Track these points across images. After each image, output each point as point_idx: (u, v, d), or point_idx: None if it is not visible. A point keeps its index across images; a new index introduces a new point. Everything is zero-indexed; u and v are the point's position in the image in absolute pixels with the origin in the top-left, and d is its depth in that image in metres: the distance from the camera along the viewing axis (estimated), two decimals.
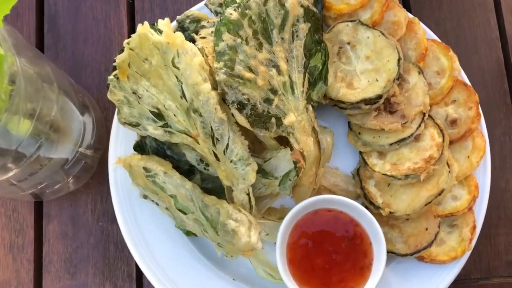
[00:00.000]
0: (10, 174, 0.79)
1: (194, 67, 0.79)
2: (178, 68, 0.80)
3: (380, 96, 0.94)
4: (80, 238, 1.03)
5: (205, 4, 0.99)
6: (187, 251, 0.98)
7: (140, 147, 0.94)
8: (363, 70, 0.97)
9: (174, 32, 0.79)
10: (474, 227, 0.95)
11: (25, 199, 1.01)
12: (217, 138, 0.83)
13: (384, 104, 0.97)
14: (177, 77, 0.81)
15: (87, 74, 1.10)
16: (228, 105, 0.82)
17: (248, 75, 0.82)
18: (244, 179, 0.85)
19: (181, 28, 0.93)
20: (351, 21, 0.98)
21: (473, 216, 0.95)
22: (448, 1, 1.17)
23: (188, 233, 0.98)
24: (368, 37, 0.97)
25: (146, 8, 1.13)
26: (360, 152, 0.99)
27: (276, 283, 0.96)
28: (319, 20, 0.95)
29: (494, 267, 1.04)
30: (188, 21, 0.94)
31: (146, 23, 0.80)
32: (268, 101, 0.85)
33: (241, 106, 0.82)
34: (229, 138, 0.83)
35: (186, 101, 0.82)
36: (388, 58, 0.95)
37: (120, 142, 0.99)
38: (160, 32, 0.79)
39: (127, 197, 0.97)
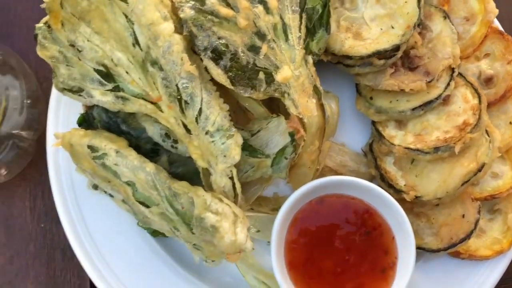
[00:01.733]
0: None
1: (149, 0, 0.57)
2: (126, 2, 0.57)
3: (397, 47, 0.74)
4: (15, 245, 0.82)
5: None
6: (154, 257, 0.77)
7: (87, 122, 0.72)
8: (373, 17, 0.77)
9: None
10: None
11: None
12: (186, 101, 0.61)
13: (402, 58, 0.77)
14: (126, 16, 0.59)
15: (21, 35, 0.88)
16: (199, 54, 0.60)
17: (225, 11, 0.60)
18: (225, 156, 0.63)
19: None
20: None
21: None
22: None
23: (155, 233, 0.76)
24: None
25: None
26: (373, 123, 0.79)
27: None
28: None
29: None
30: None
31: None
32: (254, 49, 0.63)
33: (217, 55, 0.61)
34: (202, 100, 0.61)
35: (141, 49, 0.60)
36: None
37: (62, 118, 0.77)
38: None
39: (73, 188, 0.76)
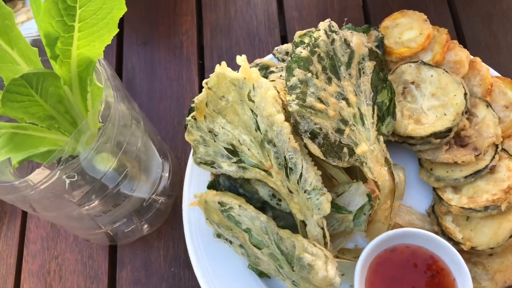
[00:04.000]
0: (92, 205, 0.82)
1: (269, 99, 0.83)
2: (253, 102, 0.85)
3: (450, 129, 0.95)
4: (152, 284, 1.03)
5: (272, 54, 1.06)
6: None
7: (214, 187, 0.97)
8: (429, 107, 0.99)
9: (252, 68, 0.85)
10: None
11: (100, 241, 1.04)
12: (290, 168, 0.85)
13: (454, 138, 0.97)
14: (252, 111, 0.85)
15: (162, 127, 1.17)
16: (301, 135, 0.85)
17: (319, 106, 0.85)
18: (319, 209, 0.85)
19: None
20: (413, 62, 1.02)
21: None
22: (507, 45, 1.19)
23: (261, 274, 0.96)
24: (432, 75, 1.00)
25: (214, 67, 1.21)
26: (434, 189, 0.98)
27: None
28: (382, 61, 0.99)
29: None
30: (258, 68, 1.01)
31: (224, 63, 0.86)
32: (339, 131, 0.87)
33: (313, 136, 0.85)
34: (302, 167, 0.85)
35: (261, 133, 0.86)
36: (454, 93, 0.97)
37: (193, 185, 1.02)
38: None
39: (201, 238, 0.98)
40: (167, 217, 1.08)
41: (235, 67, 1.19)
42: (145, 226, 1.04)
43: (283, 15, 1.28)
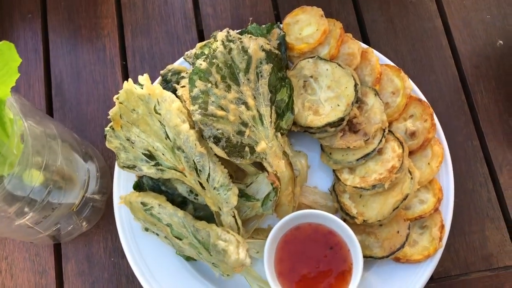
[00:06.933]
0: (27, 217, 0.93)
1: (173, 112, 0.94)
2: (160, 114, 0.95)
3: (342, 119, 1.07)
4: (95, 274, 1.16)
5: (183, 58, 1.15)
6: (189, 275, 1.09)
7: (139, 186, 1.08)
8: (326, 98, 1.11)
9: (155, 84, 0.94)
10: (442, 226, 1.05)
11: (44, 242, 1.15)
12: (199, 170, 0.97)
13: (347, 125, 1.10)
14: (160, 122, 0.96)
15: (91, 129, 1.26)
16: (206, 140, 0.96)
17: (220, 113, 0.96)
18: (227, 202, 0.98)
19: (165, 80, 1.09)
20: (311, 57, 1.13)
21: (440, 216, 1.05)
22: (402, 29, 1.31)
23: (188, 258, 1.10)
24: (327, 69, 1.11)
25: (137, 67, 1.30)
26: (334, 170, 1.11)
27: None
28: (281, 60, 1.10)
29: (472, 263, 1.13)
30: (170, 74, 1.10)
31: (130, 80, 0.96)
32: (240, 133, 0.98)
33: (217, 140, 0.96)
34: (209, 168, 0.97)
35: (170, 141, 0.96)
36: (346, 85, 1.09)
37: (122, 184, 1.13)
38: (142, 86, 0.95)
39: (132, 232, 1.10)
40: (103, 212, 1.19)
41: (157, 66, 1.28)
42: (84, 223, 1.16)
43: (199, 11, 1.36)
